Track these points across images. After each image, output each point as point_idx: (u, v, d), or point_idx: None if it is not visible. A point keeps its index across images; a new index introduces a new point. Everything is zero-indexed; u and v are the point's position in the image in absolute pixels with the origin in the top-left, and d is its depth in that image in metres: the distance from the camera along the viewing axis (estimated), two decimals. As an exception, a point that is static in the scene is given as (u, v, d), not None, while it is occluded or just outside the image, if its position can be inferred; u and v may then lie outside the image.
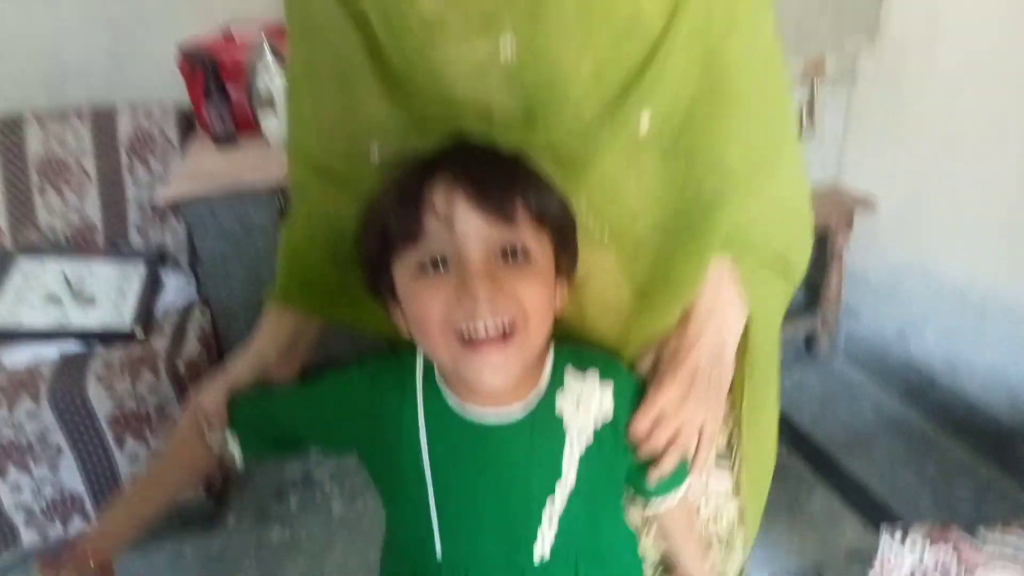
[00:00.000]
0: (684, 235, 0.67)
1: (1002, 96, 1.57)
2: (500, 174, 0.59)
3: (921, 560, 0.87)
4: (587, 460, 0.65)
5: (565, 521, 0.65)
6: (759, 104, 0.66)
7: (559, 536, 0.66)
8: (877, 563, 0.91)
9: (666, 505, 0.72)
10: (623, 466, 0.69)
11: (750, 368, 0.73)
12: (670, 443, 0.67)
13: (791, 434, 1.87)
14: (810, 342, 2.23)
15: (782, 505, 1.63)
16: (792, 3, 1.79)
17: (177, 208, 1.85)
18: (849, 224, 2.01)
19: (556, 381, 0.64)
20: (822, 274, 2.12)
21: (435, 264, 0.57)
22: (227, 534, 1.64)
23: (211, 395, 0.70)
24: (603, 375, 0.66)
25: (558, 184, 0.62)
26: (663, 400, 0.66)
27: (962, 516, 1.57)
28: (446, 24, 0.61)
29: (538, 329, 0.60)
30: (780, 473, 1.65)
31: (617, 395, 0.65)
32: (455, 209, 0.56)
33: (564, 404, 0.64)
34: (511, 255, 0.57)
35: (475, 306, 0.55)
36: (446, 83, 0.63)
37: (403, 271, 0.60)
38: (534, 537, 0.65)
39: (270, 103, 1.80)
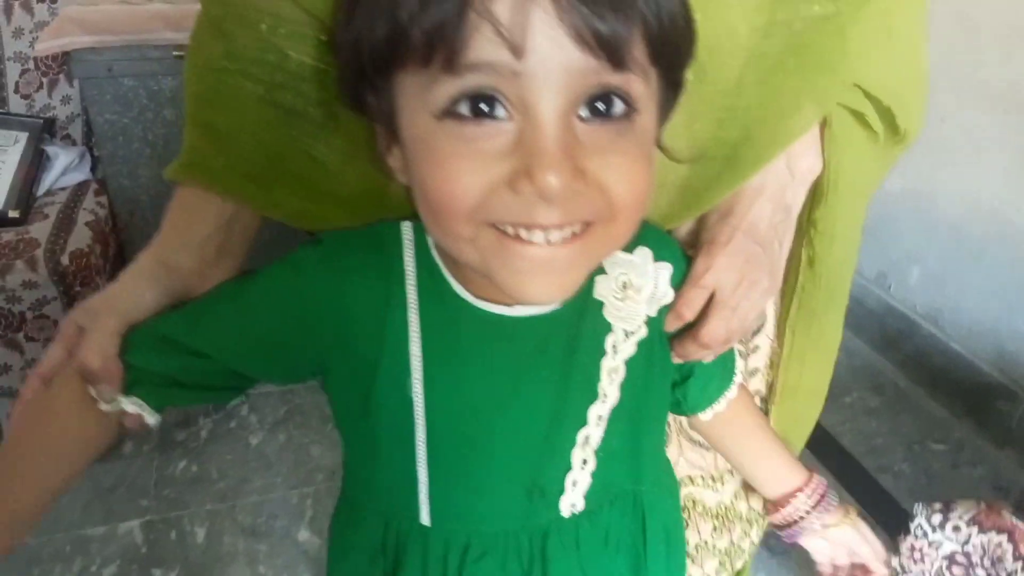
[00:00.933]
0: (798, 70, 0.46)
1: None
2: None
3: (964, 548, 0.73)
4: (635, 364, 0.47)
5: (604, 453, 0.48)
6: None
7: (598, 475, 0.48)
8: (905, 547, 0.77)
9: (723, 403, 0.56)
10: (670, 372, 0.52)
11: (822, 254, 0.55)
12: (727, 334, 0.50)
13: (760, 377, 1.75)
14: (781, 279, 2.09)
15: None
16: None
17: (66, 65, 1.52)
18: (840, 153, 1.84)
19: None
20: (804, 207, 1.96)
21: (477, 106, 0.34)
22: (122, 464, 1.39)
23: (96, 343, 0.43)
24: (658, 255, 0.47)
25: None
26: (714, 276, 0.48)
27: (937, 475, 1.48)
28: None
29: (626, 227, 0.39)
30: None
31: (676, 282, 0.49)
32: (533, 24, 0.32)
33: (605, 290, 0.46)
34: (606, 108, 0.35)
35: (538, 208, 0.34)
36: None
37: (418, 102, 0.36)
38: (562, 482, 0.47)
39: (188, -56, 1.47)
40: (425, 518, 0.47)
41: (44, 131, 1.51)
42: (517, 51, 0.32)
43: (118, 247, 1.54)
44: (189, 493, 1.34)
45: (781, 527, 0.58)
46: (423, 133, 0.36)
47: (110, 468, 1.38)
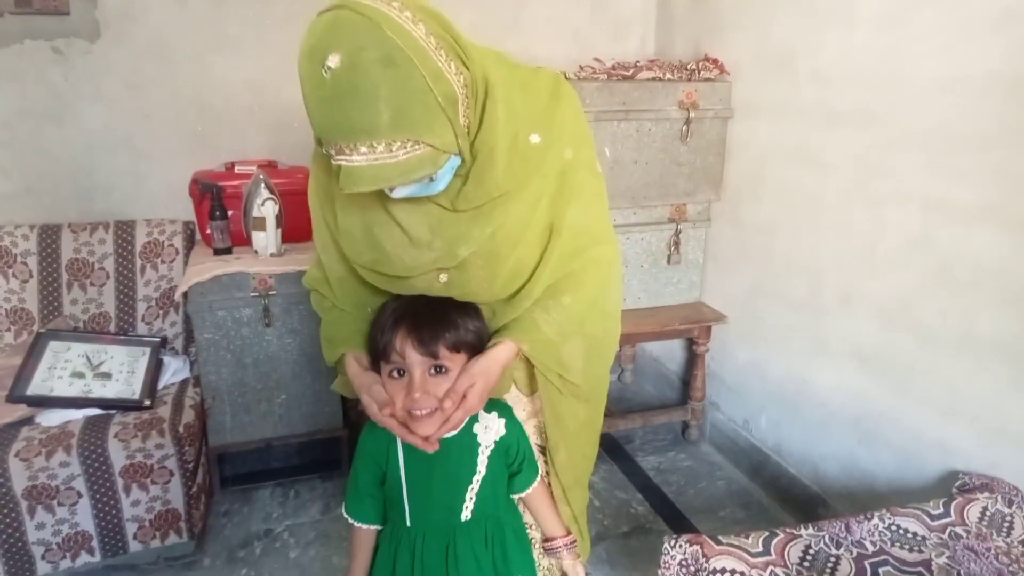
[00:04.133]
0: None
1: (802, 237, 2.17)
2: (434, 328, 1.06)
3: (683, 555, 1.37)
4: (491, 459, 1.17)
5: (479, 496, 1.16)
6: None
7: (476, 505, 1.16)
8: (662, 561, 1.40)
9: (529, 490, 1.24)
10: (507, 466, 1.21)
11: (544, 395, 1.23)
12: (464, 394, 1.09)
13: (659, 500, 2.38)
14: (685, 429, 2.77)
15: (644, 556, 2.11)
16: (657, 165, 2.43)
17: (170, 300, 2.32)
18: (708, 334, 2.60)
19: (474, 416, 1.15)
20: (691, 373, 2.69)
21: (399, 373, 1.09)
22: (204, 571, 2.03)
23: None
24: (500, 414, 1.18)
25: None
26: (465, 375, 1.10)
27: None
28: (409, 273, 1.11)
29: (448, 406, 1.09)
30: (645, 530, 2.16)
31: (507, 424, 1.19)
32: (406, 352, 1.06)
33: (478, 429, 1.17)
34: (437, 370, 1.08)
35: (414, 403, 1.07)
36: (403, 289, 1.14)
37: (384, 369, 1.11)
38: (462, 507, 1.16)
39: (261, 225, 2.32)
40: (408, 523, 1.16)
41: (161, 346, 2.29)
42: (402, 359, 1.07)
43: (204, 424, 2.26)
44: (251, 588, 1.96)
45: (546, 548, 1.29)
46: (385, 381, 1.11)
47: (195, 574, 2.01)
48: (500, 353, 1.13)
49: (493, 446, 1.17)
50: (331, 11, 0.84)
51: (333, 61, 0.81)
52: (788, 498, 2.31)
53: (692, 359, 2.70)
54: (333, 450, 2.48)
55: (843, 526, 1.46)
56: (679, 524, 2.26)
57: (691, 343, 2.70)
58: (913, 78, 1.75)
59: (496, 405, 1.18)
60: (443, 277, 1.12)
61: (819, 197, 2.08)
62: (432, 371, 1.07)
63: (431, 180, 0.96)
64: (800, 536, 1.43)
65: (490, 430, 1.17)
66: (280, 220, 2.31)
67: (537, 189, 1.08)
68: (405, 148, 0.87)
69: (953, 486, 1.64)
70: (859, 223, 1.95)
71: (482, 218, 1.06)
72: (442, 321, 1.08)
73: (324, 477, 2.49)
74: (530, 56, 2.76)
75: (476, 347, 1.13)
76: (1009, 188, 1.54)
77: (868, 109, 1.88)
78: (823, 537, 1.43)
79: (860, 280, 1.97)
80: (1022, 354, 1.55)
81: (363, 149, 0.85)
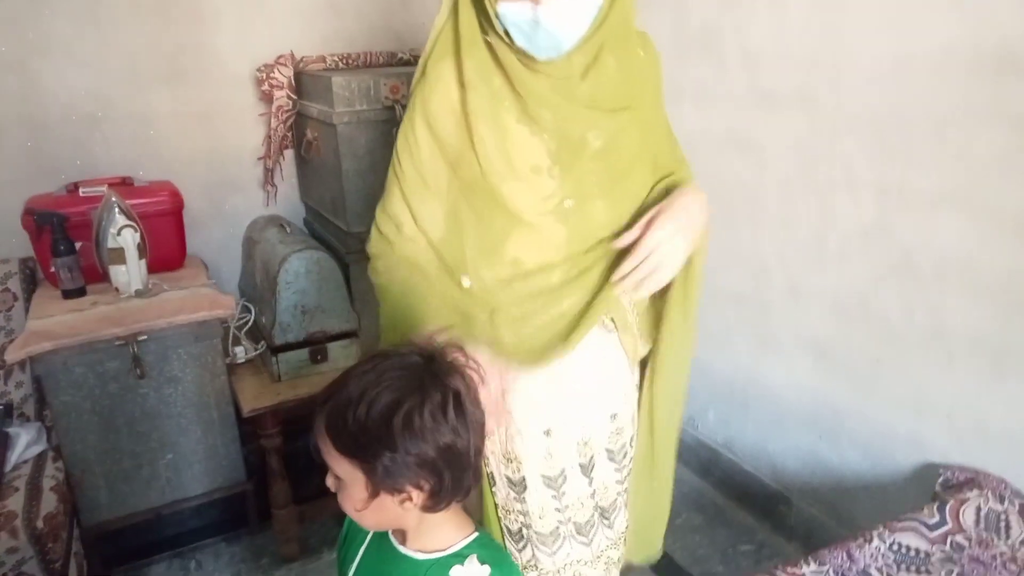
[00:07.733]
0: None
1: (741, 230, 2.01)
2: (329, 415, 0.83)
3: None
4: None
5: None
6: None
7: None
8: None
9: None
10: None
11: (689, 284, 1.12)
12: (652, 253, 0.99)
13: (611, 516, 2.19)
14: (625, 430, 2.60)
15: None
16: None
17: (25, 363, 1.89)
18: (644, 330, 2.42)
19: (457, 556, 0.85)
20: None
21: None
22: None
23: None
24: (492, 569, 0.85)
25: None
26: (658, 221, 1.00)
27: (746, 572, 1.94)
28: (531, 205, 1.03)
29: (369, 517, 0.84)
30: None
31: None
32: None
33: (457, 572, 0.83)
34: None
35: None
36: (521, 226, 1.04)
37: None
38: None
39: (120, 258, 1.91)
40: None
41: (5, 415, 1.86)
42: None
43: (74, 504, 1.86)
44: None
45: None
46: None
47: None
48: (691, 190, 1.07)
49: None
50: None
51: None
52: (745, 497, 2.18)
53: (627, 355, 2.52)
54: (237, 506, 2.13)
55: (844, 554, 1.30)
56: (637, 541, 2.08)
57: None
58: (858, 57, 1.59)
59: (488, 556, 0.86)
60: (568, 203, 1.04)
61: (757, 186, 1.92)
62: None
63: None
64: (803, 574, 1.26)
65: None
66: (143, 249, 1.92)
67: (645, 115, 1.09)
68: None
69: (936, 482, 1.53)
70: (805, 213, 1.80)
71: (608, 112, 1.04)
72: (342, 406, 0.78)
73: (229, 540, 2.14)
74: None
75: (390, 473, 0.78)
76: (972, 173, 1.41)
77: (808, 92, 1.72)
78: (827, 571, 1.27)
79: (809, 273, 1.82)
80: (998, 347, 1.43)
81: None
